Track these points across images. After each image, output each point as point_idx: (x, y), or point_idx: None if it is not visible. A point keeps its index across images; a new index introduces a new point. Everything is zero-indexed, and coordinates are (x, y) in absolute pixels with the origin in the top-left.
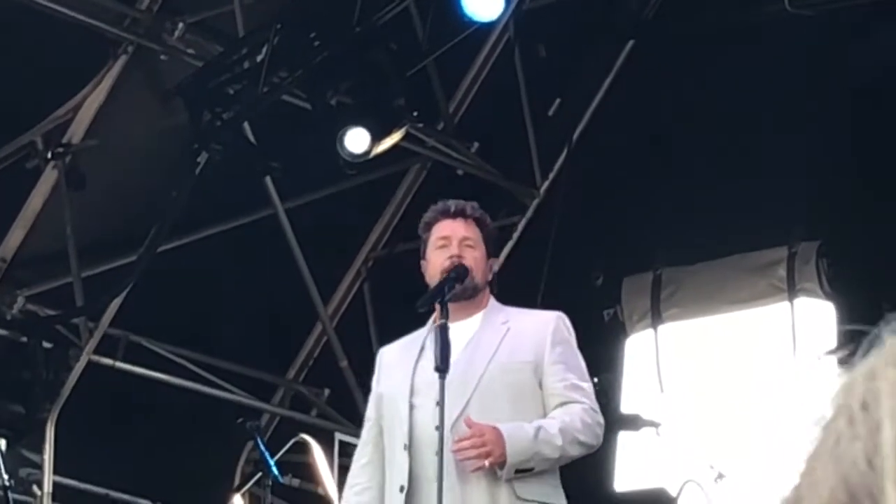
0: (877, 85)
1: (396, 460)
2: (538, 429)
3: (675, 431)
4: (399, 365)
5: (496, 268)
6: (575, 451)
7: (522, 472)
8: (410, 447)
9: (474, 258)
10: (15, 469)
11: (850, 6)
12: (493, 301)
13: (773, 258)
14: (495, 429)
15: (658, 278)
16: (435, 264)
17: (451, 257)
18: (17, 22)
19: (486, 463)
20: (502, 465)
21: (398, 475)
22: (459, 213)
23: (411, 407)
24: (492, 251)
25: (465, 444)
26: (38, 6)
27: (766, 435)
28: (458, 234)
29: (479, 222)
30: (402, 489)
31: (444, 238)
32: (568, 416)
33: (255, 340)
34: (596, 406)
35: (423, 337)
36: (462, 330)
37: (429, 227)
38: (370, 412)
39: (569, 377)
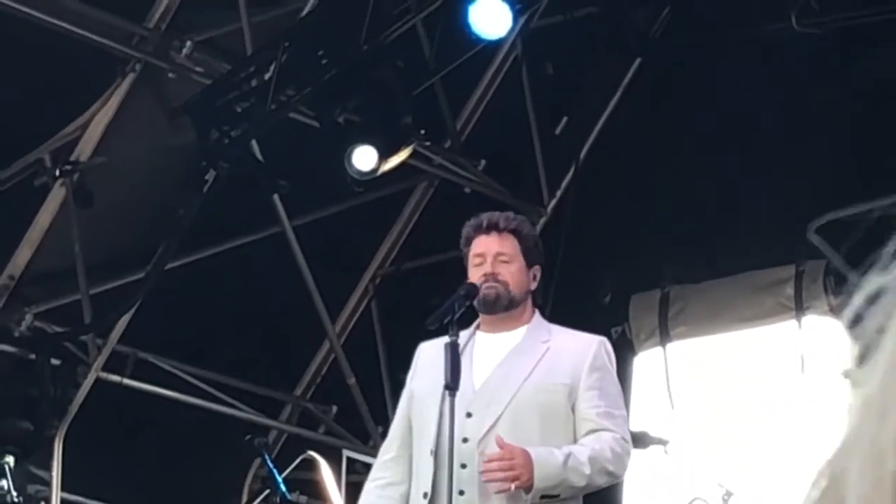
0: (881, 102)
1: (422, 465)
2: (568, 456)
3: (684, 449)
4: (435, 366)
5: (539, 275)
6: (602, 481)
7: (548, 498)
8: (436, 453)
9: (510, 272)
10: (23, 486)
11: (859, 24)
12: (537, 316)
13: (780, 276)
14: (525, 452)
15: (666, 296)
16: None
17: (485, 275)
18: (26, 40)
19: (512, 486)
20: (528, 489)
21: (423, 481)
22: (493, 228)
23: (441, 414)
24: (533, 259)
25: (494, 465)
26: (46, 24)
27: (775, 453)
28: (492, 251)
29: (515, 233)
30: (425, 496)
31: (479, 255)
32: (598, 445)
33: (263, 358)
34: (627, 436)
35: (463, 341)
36: (503, 342)
37: (468, 242)
38: (402, 407)
39: (602, 404)
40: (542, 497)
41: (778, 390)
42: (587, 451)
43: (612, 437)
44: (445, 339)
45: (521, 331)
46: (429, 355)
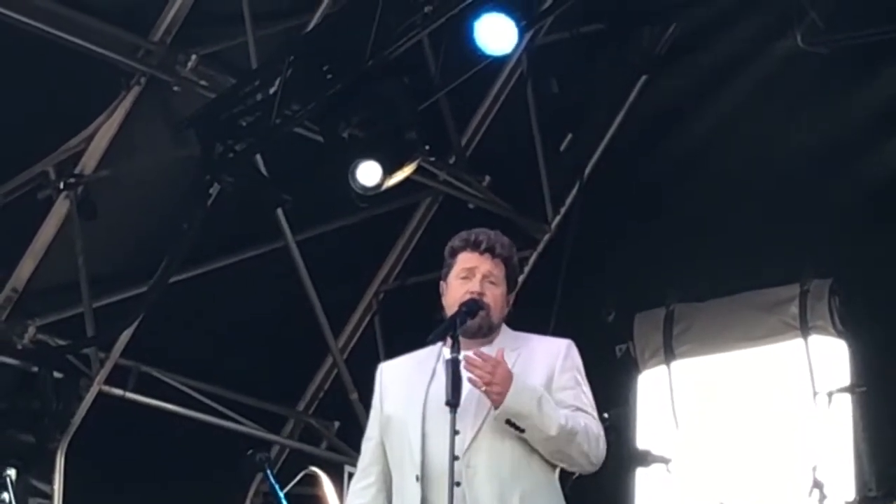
0: (889, 120)
1: (407, 490)
2: (545, 398)
3: (687, 468)
4: (406, 387)
5: (512, 300)
6: (571, 449)
7: (514, 428)
8: (423, 478)
9: (494, 296)
10: (24, 498)
11: (866, 43)
12: (504, 328)
13: (785, 296)
14: (508, 371)
15: (670, 314)
16: (455, 295)
17: (472, 292)
18: (31, 52)
19: (483, 388)
20: (497, 405)
21: None
22: (488, 251)
23: (424, 435)
24: (512, 286)
25: (478, 361)
26: (52, 37)
27: (777, 473)
28: (483, 270)
29: (505, 260)
30: None
31: (468, 270)
32: (579, 418)
33: (265, 372)
34: (602, 435)
35: (432, 360)
36: None
37: (454, 253)
38: (372, 431)
39: (576, 402)
40: (509, 423)
41: (781, 409)
42: (566, 412)
43: (593, 422)
44: (408, 358)
45: (490, 345)
46: (395, 376)
